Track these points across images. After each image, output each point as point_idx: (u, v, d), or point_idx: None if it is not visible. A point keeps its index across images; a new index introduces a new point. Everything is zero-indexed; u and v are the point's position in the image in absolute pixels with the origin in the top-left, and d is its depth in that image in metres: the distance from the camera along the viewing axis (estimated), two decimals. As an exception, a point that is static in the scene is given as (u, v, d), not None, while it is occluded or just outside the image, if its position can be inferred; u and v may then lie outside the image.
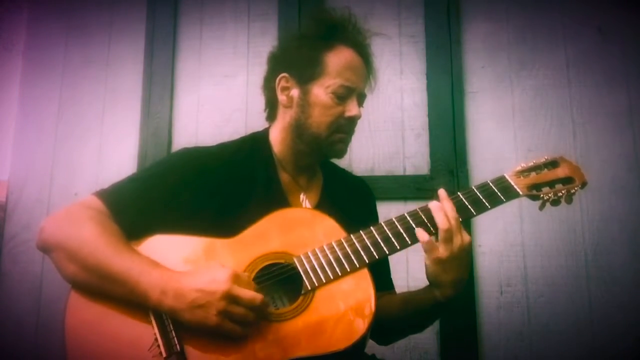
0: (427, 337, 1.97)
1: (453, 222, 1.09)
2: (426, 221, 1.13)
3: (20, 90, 2.42)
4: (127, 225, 1.14)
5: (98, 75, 2.38)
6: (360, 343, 1.04)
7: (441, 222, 1.09)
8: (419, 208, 1.15)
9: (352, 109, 1.26)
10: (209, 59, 2.33)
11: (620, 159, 1.99)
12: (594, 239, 1.95)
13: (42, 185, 2.30)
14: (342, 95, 1.25)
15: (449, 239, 1.08)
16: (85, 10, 2.45)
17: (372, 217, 1.46)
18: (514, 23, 2.16)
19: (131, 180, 1.25)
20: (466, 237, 1.10)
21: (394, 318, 1.26)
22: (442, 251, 1.08)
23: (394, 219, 1.15)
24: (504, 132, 2.09)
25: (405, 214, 1.15)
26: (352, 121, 1.28)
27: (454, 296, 1.13)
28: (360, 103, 1.29)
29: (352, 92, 1.26)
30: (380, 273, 1.30)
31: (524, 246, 1.98)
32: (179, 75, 2.34)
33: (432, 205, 1.12)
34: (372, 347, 1.23)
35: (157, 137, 2.26)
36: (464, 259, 1.11)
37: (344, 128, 1.27)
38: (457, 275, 1.11)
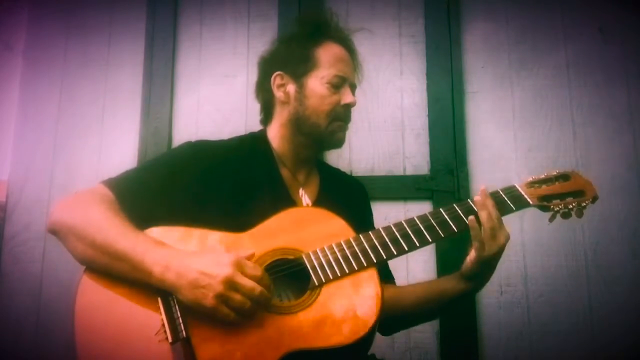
0: (427, 337, 1.97)
1: (496, 220, 1.11)
2: (435, 225, 1.14)
3: (20, 90, 2.41)
4: (133, 213, 1.16)
5: (98, 75, 2.38)
6: (364, 342, 1.03)
7: (486, 219, 1.10)
8: (429, 212, 1.17)
9: (347, 97, 1.32)
10: (209, 59, 2.33)
11: (620, 159, 1.99)
12: (593, 238, 1.95)
13: (42, 185, 2.30)
14: (337, 85, 1.31)
15: (493, 236, 1.10)
16: (85, 10, 2.45)
17: (367, 213, 1.50)
18: (514, 23, 2.16)
19: (139, 170, 1.29)
20: (506, 233, 1.13)
21: (408, 308, 1.28)
22: (487, 249, 1.10)
23: (403, 222, 1.16)
24: (504, 132, 2.09)
25: (415, 217, 1.16)
26: (349, 108, 1.34)
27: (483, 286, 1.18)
28: (352, 93, 1.35)
29: (345, 81, 1.33)
30: (383, 266, 1.33)
31: (524, 246, 1.98)
32: (179, 75, 2.34)
33: (476, 202, 1.12)
34: (372, 346, 1.23)
35: (157, 137, 2.26)
36: (501, 253, 1.13)
37: (341, 116, 1.33)
38: (493, 270, 1.16)
